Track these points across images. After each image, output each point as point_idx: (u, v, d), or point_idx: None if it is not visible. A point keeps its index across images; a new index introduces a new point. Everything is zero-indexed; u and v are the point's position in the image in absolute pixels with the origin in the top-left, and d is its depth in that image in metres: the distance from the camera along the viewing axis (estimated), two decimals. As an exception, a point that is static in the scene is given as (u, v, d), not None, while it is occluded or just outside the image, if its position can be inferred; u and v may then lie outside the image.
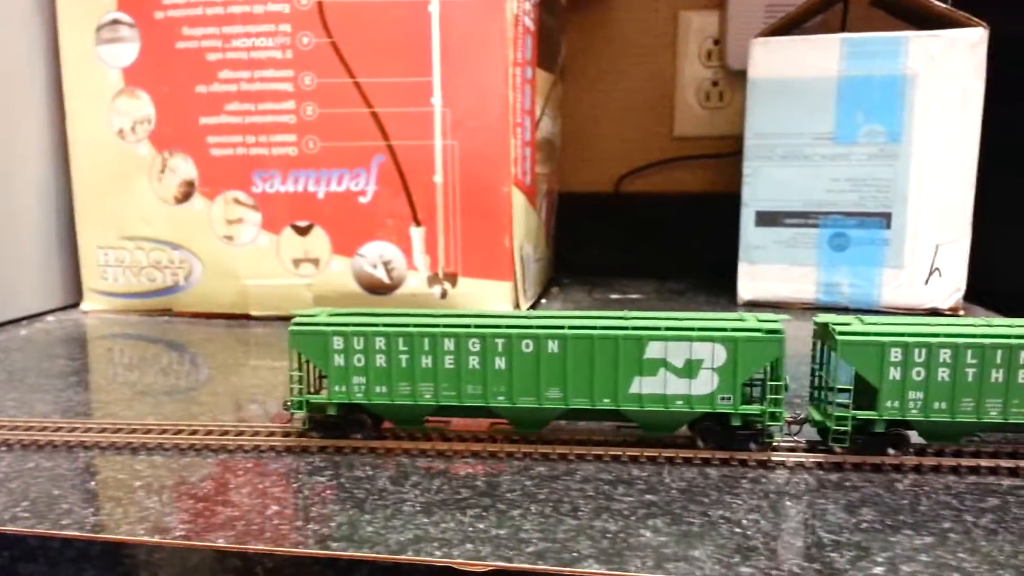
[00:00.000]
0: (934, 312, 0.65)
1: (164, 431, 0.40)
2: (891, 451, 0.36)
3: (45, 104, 0.72)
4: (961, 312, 0.65)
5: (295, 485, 0.34)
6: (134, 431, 0.40)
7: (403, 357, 0.37)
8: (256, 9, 0.66)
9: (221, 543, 0.29)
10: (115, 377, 0.52)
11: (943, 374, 0.34)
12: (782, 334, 0.35)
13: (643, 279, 0.86)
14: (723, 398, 0.35)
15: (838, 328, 0.35)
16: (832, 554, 0.28)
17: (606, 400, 0.36)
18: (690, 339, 0.35)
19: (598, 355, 0.36)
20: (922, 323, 0.36)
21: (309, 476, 0.35)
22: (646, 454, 0.37)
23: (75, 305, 0.74)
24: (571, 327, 0.36)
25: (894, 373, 0.34)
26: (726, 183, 0.89)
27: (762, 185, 0.69)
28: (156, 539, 0.30)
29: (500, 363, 0.36)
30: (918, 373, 0.34)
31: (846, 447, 0.36)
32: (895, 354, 0.34)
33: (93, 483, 0.35)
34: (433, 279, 0.67)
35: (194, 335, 0.64)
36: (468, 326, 0.36)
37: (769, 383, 0.35)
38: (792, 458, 0.36)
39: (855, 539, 0.29)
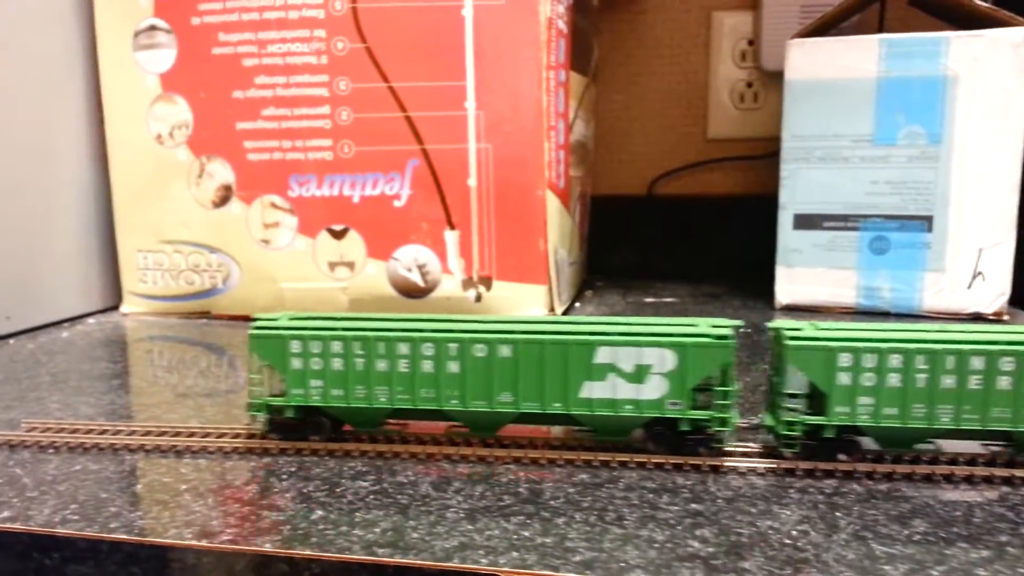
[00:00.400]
0: (977, 317, 0.64)
1: (207, 434, 0.41)
2: (842, 456, 0.35)
3: (84, 110, 0.73)
4: (1006, 317, 0.64)
5: (338, 489, 0.35)
6: (178, 434, 0.41)
7: (359, 360, 0.37)
8: (291, 15, 0.67)
9: (268, 548, 0.29)
10: (156, 380, 0.53)
11: (893, 380, 0.34)
12: (731, 340, 0.35)
13: (677, 282, 0.86)
14: (672, 403, 0.35)
15: (788, 333, 0.35)
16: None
17: (557, 404, 0.36)
18: (639, 344, 0.35)
19: (549, 360, 0.36)
20: (877, 329, 0.35)
21: (352, 480, 0.35)
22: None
23: (114, 308, 0.75)
24: (522, 332, 0.36)
25: (843, 379, 0.34)
26: (761, 185, 0.89)
27: (800, 188, 0.68)
28: (204, 543, 0.30)
29: (453, 367, 0.37)
30: (868, 379, 0.34)
31: (796, 452, 0.35)
32: (844, 359, 0.34)
33: (140, 486, 0.36)
34: (468, 283, 0.67)
35: (233, 338, 0.65)
36: (422, 330, 0.37)
37: (719, 389, 0.35)
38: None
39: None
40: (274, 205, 0.69)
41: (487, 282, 0.67)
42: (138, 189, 0.72)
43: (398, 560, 0.28)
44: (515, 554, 0.28)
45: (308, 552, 0.28)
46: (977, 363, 0.33)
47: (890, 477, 0.35)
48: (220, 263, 0.71)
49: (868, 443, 0.36)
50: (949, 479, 0.35)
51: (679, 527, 0.30)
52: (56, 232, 0.71)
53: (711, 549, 0.29)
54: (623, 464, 0.37)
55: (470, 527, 0.31)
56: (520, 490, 0.34)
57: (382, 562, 0.28)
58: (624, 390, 0.35)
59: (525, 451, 0.37)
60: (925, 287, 0.65)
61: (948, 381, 0.33)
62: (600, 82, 0.91)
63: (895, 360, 0.34)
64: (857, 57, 0.66)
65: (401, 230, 0.67)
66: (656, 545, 0.29)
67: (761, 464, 0.36)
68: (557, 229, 0.69)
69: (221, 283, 0.71)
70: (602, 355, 0.35)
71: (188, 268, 0.71)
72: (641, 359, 0.35)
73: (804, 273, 0.69)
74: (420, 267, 0.67)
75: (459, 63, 0.65)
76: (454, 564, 0.27)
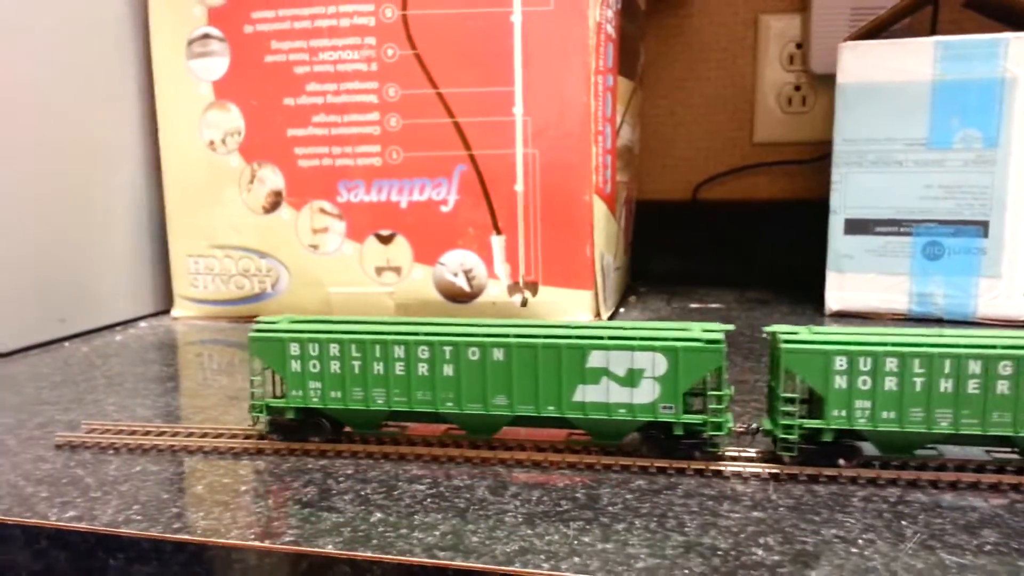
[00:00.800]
0: (1035, 324, 0.63)
1: (263, 436, 0.41)
2: (841, 462, 0.35)
3: (138, 117, 0.75)
4: (1064, 324, 0.63)
5: (395, 493, 0.35)
6: (235, 436, 0.41)
7: (356, 363, 0.38)
8: (342, 23, 0.67)
9: (330, 549, 0.29)
10: (208, 383, 0.54)
11: (890, 383, 0.33)
12: (723, 344, 0.35)
13: (723, 288, 0.85)
14: (665, 407, 0.35)
15: (784, 337, 0.35)
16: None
17: (551, 408, 0.36)
18: (631, 348, 0.35)
19: (542, 363, 0.36)
20: (873, 333, 0.35)
21: (409, 484, 0.36)
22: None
23: (166, 312, 0.76)
24: (516, 335, 0.36)
25: (840, 382, 0.34)
26: (808, 190, 0.88)
27: (852, 192, 0.67)
28: (267, 544, 0.30)
29: (448, 370, 0.37)
30: (864, 382, 0.34)
31: (794, 457, 0.35)
32: (840, 363, 0.34)
33: (200, 487, 0.36)
34: (514, 288, 0.67)
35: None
36: (418, 334, 0.37)
37: (711, 393, 0.35)
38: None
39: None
40: (323, 211, 0.70)
41: (533, 287, 0.67)
42: (190, 195, 0.73)
43: (459, 563, 0.28)
44: (576, 559, 0.28)
45: (370, 554, 0.29)
46: (975, 367, 0.33)
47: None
48: (269, 268, 0.71)
49: (870, 448, 0.35)
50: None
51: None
52: (110, 237, 0.72)
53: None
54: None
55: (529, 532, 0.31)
56: (577, 495, 0.34)
57: (443, 565, 0.28)
58: (617, 394, 0.36)
59: (580, 456, 0.37)
60: (980, 294, 0.64)
61: (946, 385, 0.33)
62: (646, 86, 0.91)
63: (891, 364, 0.33)
64: (911, 60, 0.64)
65: (448, 235, 0.68)
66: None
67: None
68: (603, 234, 0.68)
69: (270, 288, 0.72)
70: (595, 359, 0.36)
71: (238, 273, 0.72)
72: (633, 363, 0.35)
73: (855, 279, 0.68)
74: (466, 272, 0.68)
75: (507, 69, 0.65)
76: (515, 568, 0.27)
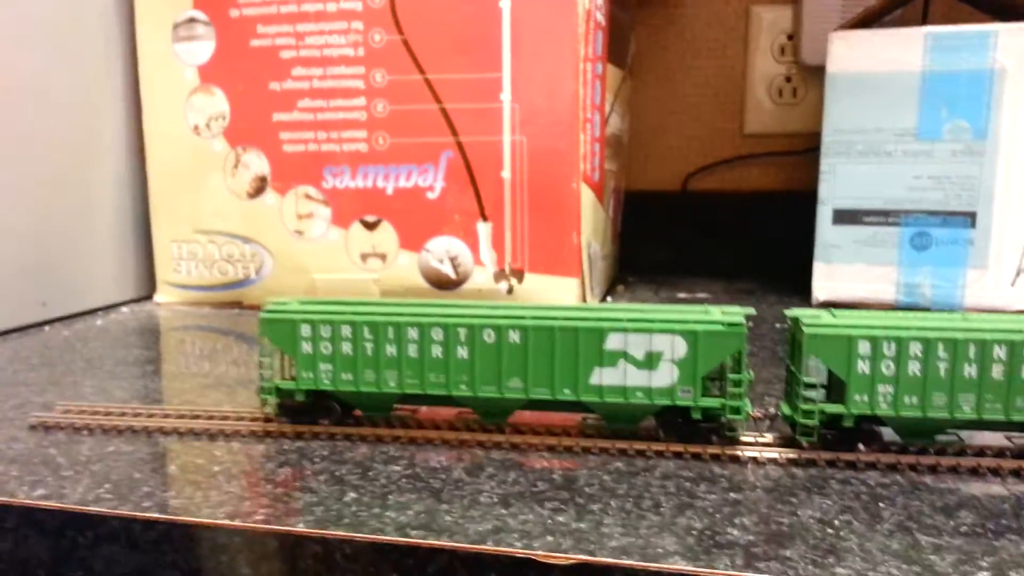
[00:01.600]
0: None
1: (241, 417, 0.40)
2: (861, 447, 0.34)
3: (123, 101, 0.74)
4: (1051, 316, 0.62)
5: (370, 473, 0.34)
6: (211, 417, 0.41)
7: (368, 345, 0.37)
8: (329, 7, 0.67)
9: (301, 528, 0.29)
10: (188, 367, 0.53)
11: (914, 368, 0.33)
12: (743, 327, 0.34)
13: (711, 278, 0.85)
14: (683, 391, 0.35)
15: (806, 321, 0.34)
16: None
17: (567, 391, 0.36)
18: (650, 331, 0.35)
19: (559, 346, 0.36)
20: (897, 317, 0.35)
21: (384, 465, 0.35)
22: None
23: (148, 297, 0.76)
24: (532, 317, 0.36)
25: (862, 367, 0.33)
26: (798, 181, 0.88)
27: (840, 182, 0.67)
28: (237, 523, 0.30)
29: (462, 352, 0.36)
30: (887, 367, 0.33)
31: (814, 442, 0.34)
32: (863, 347, 0.33)
33: (173, 467, 0.36)
34: (499, 275, 0.67)
35: (264, 328, 0.65)
36: (432, 315, 0.37)
37: (730, 376, 0.35)
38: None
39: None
40: (308, 196, 0.69)
41: (519, 274, 0.66)
42: (174, 179, 0.72)
43: (432, 542, 0.27)
44: (550, 538, 0.28)
45: (340, 533, 0.28)
46: (1000, 352, 0.32)
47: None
48: (253, 253, 0.71)
49: (889, 434, 0.35)
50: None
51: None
52: (93, 221, 0.71)
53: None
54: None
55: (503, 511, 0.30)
56: (554, 477, 0.34)
57: (414, 543, 0.27)
58: (635, 377, 0.35)
59: (559, 439, 0.37)
60: (967, 284, 0.64)
61: (970, 370, 0.33)
62: (636, 76, 0.90)
63: (915, 348, 0.33)
64: (901, 50, 0.64)
65: (434, 222, 0.67)
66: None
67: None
68: (591, 222, 0.68)
69: (254, 273, 0.71)
70: (613, 341, 0.35)
71: (222, 258, 0.72)
72: (652, 346, 0.35)
73: (843, 269, 0.68)
74: (452, 259, 0.67)
75: (495, 55, 0.65)
76: (488, 547, 0.27)
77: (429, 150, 0.67)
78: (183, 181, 0.72)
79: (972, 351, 0.32)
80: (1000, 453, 0.34)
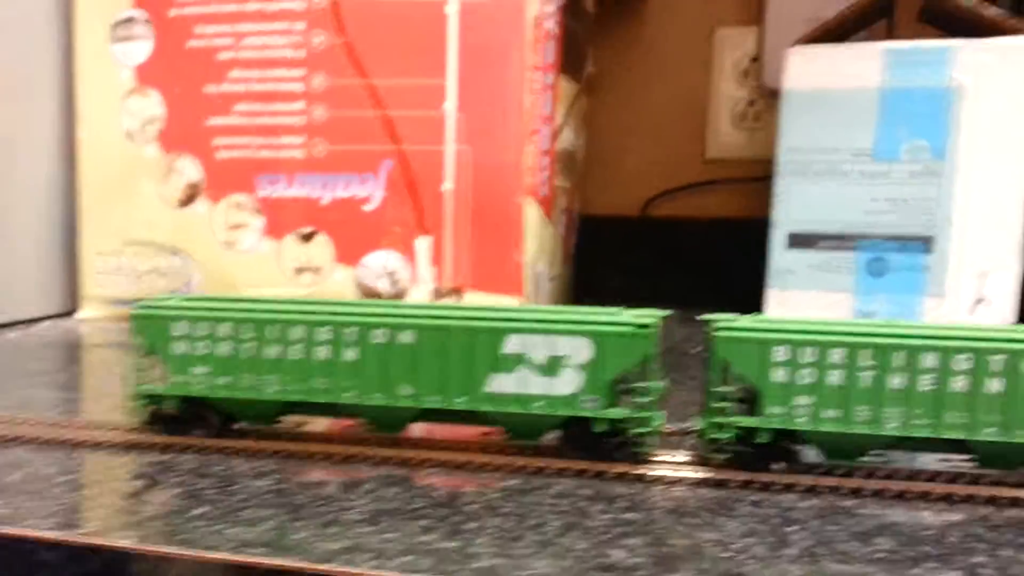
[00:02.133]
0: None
1: (114, 428, 0.37)
2: (775, 467, 0.31)
3: (55, 101, 0.71)
4: (1012, 346, 0.59)
5: (231, 488, 0.31)
6: (80, 427, 0.37)
7: (248, 346, 0.34)
8: (270, 7, 0.64)
9: (125, 543, 0.25)
10: (86, 379, 0.49)
11: (835, 377, 0.29)
12: (654, 329, 0.31)
13: (667, 306, 0.81)
14: (588, 401, 0.31)
15: (720, 324, 0.31)
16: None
17: (461, 399, 0.32)
18: (553, 332, 0.31)
19: (453, 348, 0.32)
20: (820, 322, 0.31)
21: (252, 480, 0.32)
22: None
23: (73, 312, 0.72)
24: (428, 316, 0.32)
25: (779, 375, 0.30)
26: (762, 208, 0.85)
27: (795, 205, 0.64)
28: (53, 535, 0.26)
29: (350, 355, 0.33)
30: (806, 376, 0.30)
31: (727, 460, 0.31)
32: (779, 353, 0.30)
33: (16, 476, 0.32)
34: (438, 292, 0.63)
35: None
36: (323, 313, 0.33)
37: (636, 386, 0.31)
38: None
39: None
40: (240, 205, 0.66)
41: (459, 292, 0.63)
42: (105, 187, 0.69)
43: (260, 560, 0.24)
44: (407, 558, 0.24)
45: (167, 549, 0.24)
46: (929, 360, 0.29)
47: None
48: (182, 266, 0.67)
49: (816, 454, 0.32)
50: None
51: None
52: (14, 231, 0.68)
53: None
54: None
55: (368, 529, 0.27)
56: (436, 494, 0.30)
57: (238, 561, 0.24)
58: (535, 384, 0.32)
59: (454, 454, 0.33)
60: (924, 312, 0.61)
61: (896, 381, 0.29)
62: (596, 95, 0.88)
63: (837, 355, 0.29)
64: (860, 66, 0.62)
65: (372, 235, 0.64)
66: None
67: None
68: (537, 240, 0.65)
69: (182, 287, 0.68)
70: (512, 344, 0.32)
71: (149, 271, 0.68)
72: (554, 349, 0.31)
73: (797, 296, 0.65)
74: (390, 274, 0.64)
75: (440, 62, 0.62)
76: (325, 567, 0.23)
77: (369, 159, 0.64)
78: (114, 188, 0.69)
79: (899, 359, 0.29)
80: (932, 478, 0.31)
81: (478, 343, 0.32)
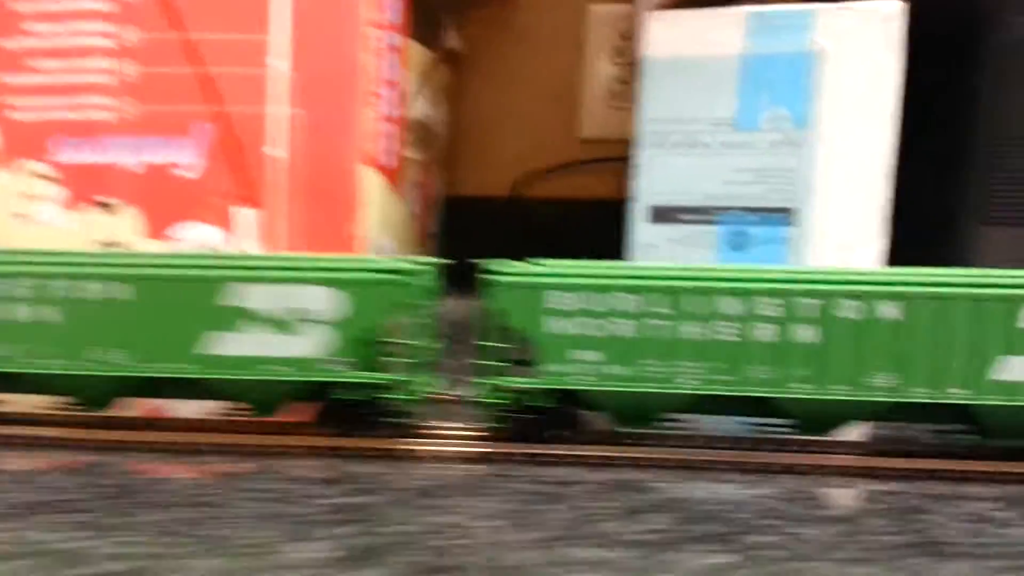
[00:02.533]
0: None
1: None
2: (549, 434, 0.26)
3: None
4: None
5: None
6: None
7: None
8: (74, -50, 0.57)
9: None
10: None
11: (624, 328, 0.24)
12: (414, 276, 0.26)
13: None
14: (335, 363, 0.26)
15: (494, 269, 0.26)
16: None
17: (179, 366, 0.26)
18: (288, 281, 0.26)
19: (170, 303, 0.26)
20: (609, 265, 0.26)
21: None
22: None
23: None
24: (151, 266, 0.27)
25: (555, 326, 0.25)
26: (634, 190, 0.81)
27: (656, 177, 0.60)
28: None
29: (54, 314, 0.27)
30: (588, 326, 0.25)
31: (503, 428, 0.26)
32: (556, 299, 0.25)
33: None
34: (265, 269, 0.57)
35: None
36: (32, 263, 0.27)
37: (398, 342, 0.26)
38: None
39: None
40: (38, 173, 0.58)
41: (288, 269, 0.57)
42: None
43: None
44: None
45: None
46: (731, 306, 0.24)
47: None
48: (-28, 240, 0.59)
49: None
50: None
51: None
52: None
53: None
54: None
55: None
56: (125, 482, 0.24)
57: None
58: (268, 345, 0.26)
59: (182, 434, 0.27)
60: (788, 289, 0.57)
61: (693, 330, 0.24)
62: (468, 75, 0.83)
63: (626, 302, 0.24)
64: (722, 32, 0.58)
65: (188, 206, 0.57)
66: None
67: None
68: (379, 212, 0.59)
69: (-26, 263, 0.59)
70: (236, 295, 0.26)
71: (-64, 245, 0.60)
72: (292, 302, 0.25)
73: (659, 274, 0.60)
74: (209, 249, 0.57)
75: (265, 13, 0.56)
76: None
77: (186, 121, 0.57)
78: None
79: (696, 304, 0.24)
80: (736, 443, 0.26)
81: (195, 295, 0.26)
